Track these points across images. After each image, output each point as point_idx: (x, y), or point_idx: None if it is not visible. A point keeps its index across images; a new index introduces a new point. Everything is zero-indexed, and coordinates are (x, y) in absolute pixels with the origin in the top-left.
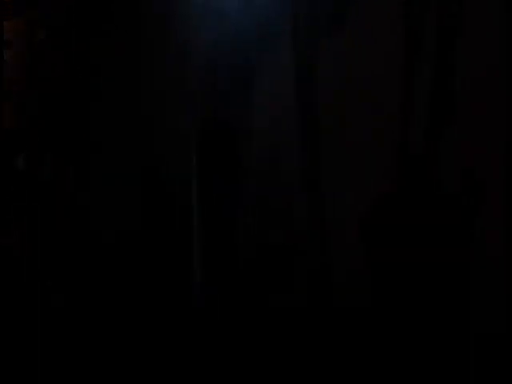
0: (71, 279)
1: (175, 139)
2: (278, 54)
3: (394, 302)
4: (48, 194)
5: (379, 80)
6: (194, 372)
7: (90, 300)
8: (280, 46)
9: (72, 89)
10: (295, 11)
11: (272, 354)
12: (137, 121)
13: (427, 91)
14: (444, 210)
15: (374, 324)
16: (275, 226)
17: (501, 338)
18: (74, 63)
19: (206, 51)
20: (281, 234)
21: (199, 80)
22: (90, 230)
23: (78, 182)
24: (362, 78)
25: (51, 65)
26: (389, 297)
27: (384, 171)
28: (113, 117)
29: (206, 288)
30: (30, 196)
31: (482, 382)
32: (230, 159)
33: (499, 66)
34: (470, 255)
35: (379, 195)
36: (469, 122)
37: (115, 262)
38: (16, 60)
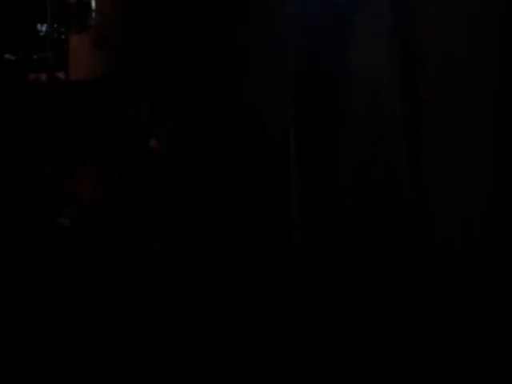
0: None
1: (273, 86)
2: (378, 9)
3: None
4: (144, 144)
5: (475, 56)
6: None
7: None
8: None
9: (168, 35)
10: None
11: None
12: (234, 68)
13: None
14: None
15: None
16: (373, 174)
17: None
18: (170, 8)
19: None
20: (378, 186)
21: (294, 24)
22: (188, 183)
23: (176, 134)
24: (459, 52)
25: (146, 10)
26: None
27: (482, 140)
28: (210, 65)
29: (303, 230)
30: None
31: None
32: (328, 105)
33: None
34: None
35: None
36: None
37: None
38: (110, 5)
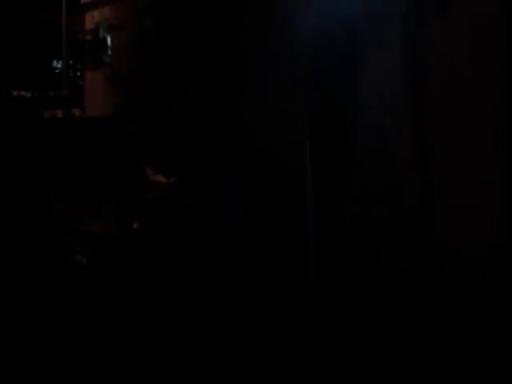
0: (183, 264)
1: (284, 122)
2: (386, 35)
3: None
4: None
5: (481, 72)
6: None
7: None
8: (389, 27)
9: (178, 72)
10: None
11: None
12: (245, 103)
13: None
14: None
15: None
16: (383, 203)
17: None
18: (180, 49)
19: (315, 29)
20: (387, 212)
21: (308, 59)
22: (198, 216)
23: (184, 165)
24: (465, 68)
25: (157, 50)
26: None
27: (490, 154)
28: (220, 99)
29: (317, 264)
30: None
31: None
32: (341, 140)
33: None
34: None
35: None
36: None
37: (228, 244)
38: (125, 45)
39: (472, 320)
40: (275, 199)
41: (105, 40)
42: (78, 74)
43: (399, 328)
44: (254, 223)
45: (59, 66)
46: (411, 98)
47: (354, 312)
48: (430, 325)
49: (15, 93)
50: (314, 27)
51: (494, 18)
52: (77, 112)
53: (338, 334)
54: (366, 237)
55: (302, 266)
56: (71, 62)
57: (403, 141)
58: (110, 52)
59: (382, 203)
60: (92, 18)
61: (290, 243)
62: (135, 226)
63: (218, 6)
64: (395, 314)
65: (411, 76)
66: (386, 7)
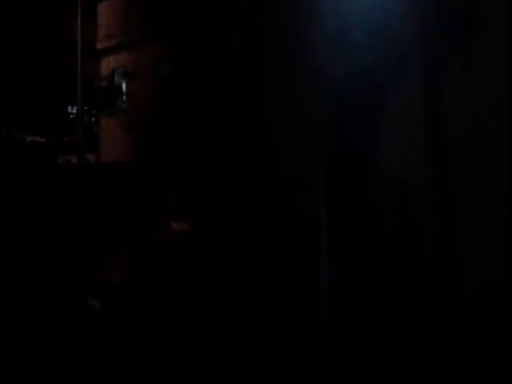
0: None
1: (304, 166)
2: (406, 84)
3: None
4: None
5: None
6: None
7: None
8: (408, 76)
9: (198, 120)
10: (424, 42)
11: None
12: (264, 147)
13: None
14: None
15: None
16: (402, 252)
17: None
18: (198, 95)
19: (337, 78)
20: (406, 262)
21: (329, 107)
22: (218, 256)
23: (208, 207)
24: (482, 115)
25: (175, 97)
26: None
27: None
28: (239, 143)
29: (333, 314)
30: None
31: None
32: (359, 190)
33: None
34: None
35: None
36: None
37: (243, 287)
38: (141, 91)
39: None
40: (294, 243)
41: (120, 86)
42: (93, 119)
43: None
44: (275, 267)
45: (74, 111)
46: (431, 146)
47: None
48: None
49: (29, 138)
50: (336, 74)
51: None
52: (91, 158)
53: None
54: (384, 284)
55: (315, 315)
56: (86, 107)
57: (421, 189)
58: (125, 98)
59: (401, 253)
60: (108, 64)
61: (304, 290)
62: (148, 272)
63: (239, 51)
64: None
65: (431, 124)
66: (406, 55)
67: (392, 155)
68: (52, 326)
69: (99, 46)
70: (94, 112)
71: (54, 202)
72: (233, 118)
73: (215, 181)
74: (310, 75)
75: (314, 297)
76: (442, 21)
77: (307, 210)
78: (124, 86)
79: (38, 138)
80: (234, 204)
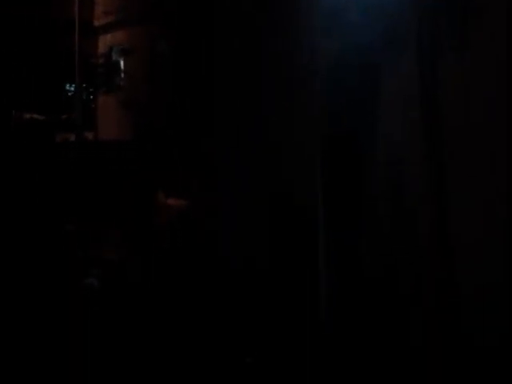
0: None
1: (302, 163)
2: (400, 64)
3: None
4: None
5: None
6: None
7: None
8: (403, 56)
9: (193, 102)
10: (420, 20)
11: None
12: (263, 143)
13: None
14: None
15: None
16: (400, 240)
17: None
18: (196, 75)
19: (332, 57)
20: (405, 249)
21: (323, 87)
22: (218, 255)
23: (208, 206)
24: (478, 99)
25: (172, 81)
26: None
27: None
28: (238, 134)
29: (333, 314)
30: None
31: None
32: (355, 176)
33: None
34: None
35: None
36: None
37: (243, 286)
38: (139, 69)
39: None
40: (293, 238)
41: (118, 63)
42: (91, 97)
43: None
44: (275, 266)
45: (72, 89)
46: (428, 131)
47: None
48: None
49: (27, 115)
50: (331, 53)
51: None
52: (89, 136)
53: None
54: (383, 277)
55: (314, 309)
56: (84, 85)
57: (418, 175)
58: (122, 75)
59: (396, 241)
60: (105, 42)
61: (303, 283)
62: (145, 250)
63: (237, 30)
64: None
65: (428, 108)
66: (402, 34)
67: (387, 142)
68: (49, 302)
69: (96, 23)
70: (91, 90)
71: (52, 179)
72: (232, 105)
73: (214, 178)
74: (304, 53)
75: (313, 297)
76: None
77: (306, 206)
78: (122, 63)
79: (36, 116)
80: (233, 204)
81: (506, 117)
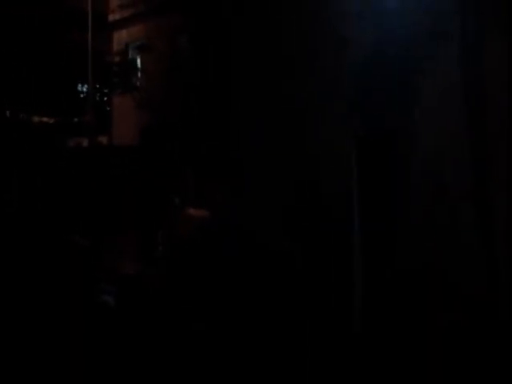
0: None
1: (332, 150)
2: (442, 57)
3: None
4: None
5: None
6: None
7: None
8: (445, 48)
9: (214, 96)
10: (462, 10)
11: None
12: (290, 129)
13: None
14: None
15: None
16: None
17: None
18: (216, 70)
19: (365, 53)
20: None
21: (356, 83)
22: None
23: (233, 194)
24: None
25: (192, 71)
26: None
27: None
28: (262, 125)
29: (364, 314)
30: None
31: None
32: (392, 170)
33: None
34: None
35: None
36: None
37: (265, 279)
38: (155, 68)
39: None
40: (322, 233)
41: (134, 61)
42: (105, 98)
43: None
44: (301, 258)
45: (84, 90)
46: (472, 124)
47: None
48: None
49: (36, 119)
50: (365, 44)
51: None
52: (103, 140)
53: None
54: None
55: (345, 313)
56: (97, 85)
57: (460, 170)
58: (140, 75)
59: (434, 238)
60: (120, 38)
61: (336, 280)
62: (163, 265)
63: (262, 23)
64: None
65: (472, 98)
66: (443, 25)
67: (428, 134)
68: (51, 320)
69: (111, 17)
70: (105, 91)
71: (62, 188)
72: (255, 102)
73: (238, 175)
74: (337, 45)
75: (344, 293)
76: None
77: (336, 198)
78: (139, 61)
79: (45, 119)
80: (256, 195)
81: None
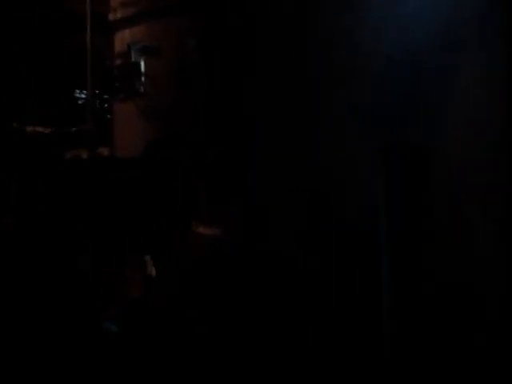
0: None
1: (352, 163)
2: (465, 63)
3: None
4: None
5: None
6: None
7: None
8: (470, 57)
9: (231, 106)
10: (483, 15)
11: None
12: (305, 138)
13: None
14: None
15: None
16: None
17: None
18: (231, 76)
19: (387, 63)
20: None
21: (379, 94)
22: (254, 256)
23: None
24: None
25: (201, 76)
26: None
27: None
28: (281, 137)
29: (395, 339)
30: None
31: None
32: (418, 181)
33: None
34: None
35: None
36: None
37: (280, 296)
38: (164, 71)
39: None
40: (341, 245)
41: (138, 65)
42: (106, 105)
43: None
44: (319, 271)
45: (83, 96)
46: (499, 133)
47: None
48: None
49: (29, 128)
50: (385, 52)
51: None
52: (104, 152)
53: None
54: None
55: (375, 338)
56: (97, 91)
57: (487, 179)
58: (143, 79)
59: (459, 255)
60: (122, 39)
61: (361, 295)
62: (172, 289)
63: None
64: None
65: (497, 108)
66: (467, 34)
67: (458, 148)
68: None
69: (112, 17)
70: (106, 97)
71: (60, 206)
72: (275, 104)
73: (248, 185)
74: (355, 53)
75: (372, 318)
76: None
77: (354, 212)
78: (143, 64)
79: (40, 129)
80: (274, 206)
81: None
